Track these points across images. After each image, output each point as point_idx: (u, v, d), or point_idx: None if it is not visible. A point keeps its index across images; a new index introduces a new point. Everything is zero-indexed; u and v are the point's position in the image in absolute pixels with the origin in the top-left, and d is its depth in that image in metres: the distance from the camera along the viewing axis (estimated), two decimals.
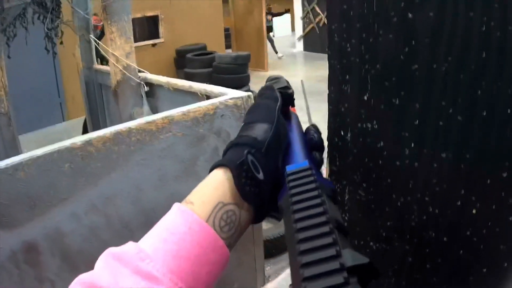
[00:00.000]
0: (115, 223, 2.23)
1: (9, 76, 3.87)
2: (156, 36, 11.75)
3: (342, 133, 0.77)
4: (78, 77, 4.71)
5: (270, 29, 17.77)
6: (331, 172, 0.84)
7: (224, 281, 2.81)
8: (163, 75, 3.94)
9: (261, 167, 0.64)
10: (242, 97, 2.55)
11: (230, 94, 2.58)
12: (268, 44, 15.41)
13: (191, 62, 11.05)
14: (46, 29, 4.48)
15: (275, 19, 18.80)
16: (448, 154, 0.63)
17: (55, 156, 1.72)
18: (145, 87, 3.98)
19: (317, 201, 0.50)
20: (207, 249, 0.59)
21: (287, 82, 0.82)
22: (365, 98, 0.70)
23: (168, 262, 0.55)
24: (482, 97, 0.58)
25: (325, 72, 0.79)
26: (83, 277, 0.56)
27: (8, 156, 2.48)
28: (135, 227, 2.24)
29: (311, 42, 17.22)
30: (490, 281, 0.69)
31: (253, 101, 2.58)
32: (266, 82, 0.83)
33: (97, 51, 4.25)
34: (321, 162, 0.73)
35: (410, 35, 0.62)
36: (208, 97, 2.65)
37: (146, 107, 3.97)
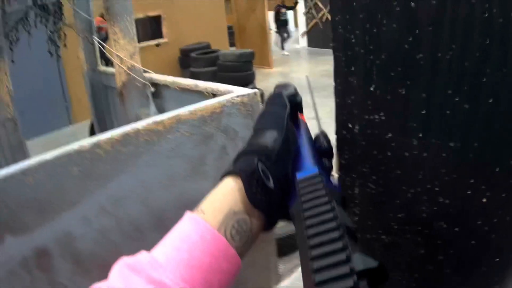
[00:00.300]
0: (126, 225, 2.23)
1: (14, 81, 3.87)
2: (160, 36, 11.77)
3: (350, 125, 0.76)
4: (83, 80, 4.71)
5: (285, 22, 17.71)
6: (340, 166, 0.84)
7: (237, 281, 2.79)
8: (168, 75, 3.95)
9: (272, 175, 0.65)
10: (248, 95, 2.55)
11: (236, 91, 2.58)
12: (273, 40, 15.44)
13: (196, 61, 11.07)
14: (48, 32, 4.49)
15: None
16: (455, 143, 0.63)
17: (64, 160, 1.72)
18: (151, 87, 3.98)
19: (327, 207, 0.51)
20: (219, 258, 0.60)
21: (295, 89, 0.82)
22: (371, 89, 0.69)
23: (180, 271, 0.56)
24: (487, 84, 0.58)
25: (329, 67, 0.79)
26: (97, 286, 0.56)
27: (15, 161, 2.49)
28: (145, 228, 2.25)
29: (314, 38, 17.21)
30: (502, 270, 0.69)
31: (259, 99, 2.58)
32: (274, 88, 0.84)
33: (103, 53, 4.26)
34: (330, 168, 0.74)
35: (413, 24, 0.62)
36: (214, 95, 2.65)
37: (152, 108, 3.98)
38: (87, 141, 2.07)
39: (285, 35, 17.62)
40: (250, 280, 2.84)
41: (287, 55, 16.88)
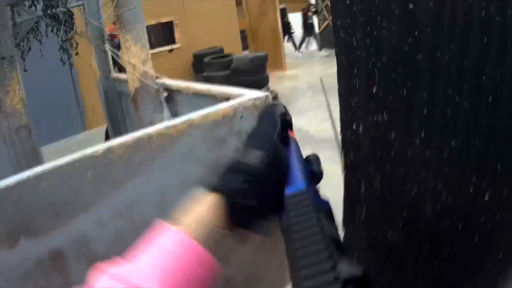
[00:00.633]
0: (140, 228, 2.23)
1: (28, 89, 3.91)
2: (172, 41, 11.80)
3: (354, 126, 0.77)
4: (96, 84, 4.74)
5: (311, 26, 17.82)
6: (345, 166, 0.85)
7: (251, 281, 2.81)
8: (182, 80, 3.97)
9: (255, 194, 0.67)
10: (260, 98, 2.55)
11: (248, 95, 2.58)
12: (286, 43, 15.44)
13: (209, 65, 11.08)
14: (60, 41, 4.52)
15: (290, 16, 18.73)
16: (457, 141, 0.64)
17: (77, 165, 1.74)
18: (164, 93, 4.00)
19: (313, 222, 0.55)
20: (195, 265, 0.63)
21: (285, 107, 0.85)
22: (374, 90, 0.71)
23: (159, 277, 0.59)
24: (486, 83, 0.58)
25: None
26: None
27: (30, 167, 2.51)
28: None
29: (327, 39, 17.16)
30: (506, 266, 0.69)
31: (271, 101, 2.59)
32: (266, 108, 0.86)
33: (116, 60, 4.29)
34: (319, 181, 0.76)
35: (412, 26, 0.63)
36: (227, 99, 2.67)
37: (166, 113, 3.99)
38: (100, 147, 2.09)
39: (310, 37, 17.66)
40: (264, 280, 2.84)
41: (300, 56, 16.89)
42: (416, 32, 0.63)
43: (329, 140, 5.61)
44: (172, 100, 3.98)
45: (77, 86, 9.67)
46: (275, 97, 9.58)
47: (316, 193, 0.67)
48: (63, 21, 4.50)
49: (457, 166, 0.66)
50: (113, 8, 3.59)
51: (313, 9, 17.77)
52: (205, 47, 11.99)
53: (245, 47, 14.82)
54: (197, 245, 0.63)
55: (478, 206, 0.66)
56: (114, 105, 4.79)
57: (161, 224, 0.67)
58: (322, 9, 17.48)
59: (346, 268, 0.46)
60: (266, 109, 0.84)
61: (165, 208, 2.27)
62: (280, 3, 14.64)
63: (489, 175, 0.63)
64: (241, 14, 14.55)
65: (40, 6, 4.27)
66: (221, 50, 12.05)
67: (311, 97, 9.85)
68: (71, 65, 5.38)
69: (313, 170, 0.75)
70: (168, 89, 4.00)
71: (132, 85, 4.03)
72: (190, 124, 2.24)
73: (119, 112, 4.79)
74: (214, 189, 0.69)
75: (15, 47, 4.13)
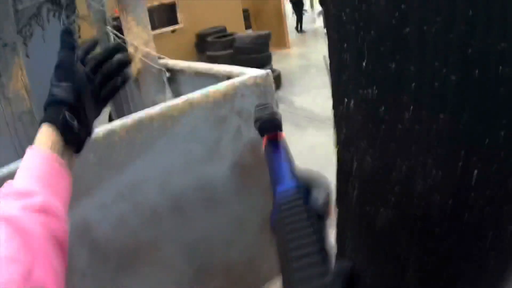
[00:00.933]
0: (143, 210, 2.26)
1: (30, 75, 3.91)
2: (175, 22, 11.74)
3: (346, 100, 0.78)
4: None
5: (301, 2, 17.54)
6: (338, 141, 0.85)
7: (252, 264, 2.84)
8: (185, 60, 3.95)
9: (76, 117, 0.90)
10: (261, 75, 2.56)
11: (249, 73, 2.58)
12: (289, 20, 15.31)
13: (212, 45, 11.03)
14: (62, 25, 4.51)
15: None
16: (445, 115, 0.64)
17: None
18: (166, 73, 4.00)
19: (307, 223, 0.58)
20: (58, 169, 0.86)
21: (273, 107, 0.88)
22: (363, 65, 0.71)
23: (38, 183, 0.80)
24: (473, 55, 0.58)
25: None
26: None
27: None
28: (163, 211, 2.27)
29: None
30: (496, 244, 0.69)
31: (272, 79, 2.60)
32: (255, 108, 0.91)
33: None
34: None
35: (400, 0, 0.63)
36: (228, 78, 2.67)
37: (168, 93, 3.99)
38: (101, 129, 2.10)
39: (302, 15, 17.32)
40: (263, 266, 2.86)
41: (304, 33, 16.73)
42: (403, 6, 0.63)
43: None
44: (175, 81, 3.98)
45: None
46: (278, 76, 9.55)
47: (305, 193, 0.69)
48: (65, 6, 4.48)
49: (446, 140, 0.65)
50: None
51: None
52: (208, 26, 11.93)
53: (248, 26, 14.73)
54: (54, 155, 0.86)
55: (468, 182, 0.66)
56: None
57: (28, 151, 0.86)
58: None
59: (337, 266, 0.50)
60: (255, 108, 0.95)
61: (168, 189, 2.28)
62: None
63: (477, 149, 0.63)
64: None
65: None
66: (224, 30, 11.98)
67: (315, 76, 9.81)
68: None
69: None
70: (170, 69, 4.00)
71: (135, 66, 4.03)
72: (191, 104, 2.24)
73: (122, 94, 4.79)
74: (47, 121, 0.88)
75: (17, 33, 4.13)
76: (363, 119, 0.75)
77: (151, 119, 2.14)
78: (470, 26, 0.57)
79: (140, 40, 3.96)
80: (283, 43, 13.98)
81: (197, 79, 3.44)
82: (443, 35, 0.60)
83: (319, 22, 17.67)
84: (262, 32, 10.76)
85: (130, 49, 3.98)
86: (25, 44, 4.40)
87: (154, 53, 4.06)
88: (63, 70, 0.94)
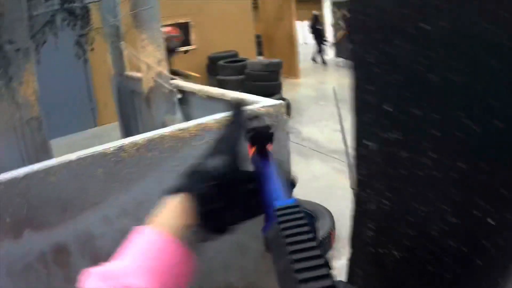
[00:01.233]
0: None
1: (41, 81, 3.93)
2: (188, 43, 11.81)
3: (367, 142, 0.78)
4: (109, 82, 4.75)
5: (322, 31, 16.98)
6: (357, 181, 0.85)
7: (243, 272, 2.80)
8: (196, 82, 3.97)
9: (217, 193, 0.73)
10: (274, 105, 2.55)
11: (262, 102, 2.57)
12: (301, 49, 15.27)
13: (224, 69, 11.07)
14: (76, 36, 4.54)
15: (306, 24, 18.47)
16: (465, 164, 0.64)
17: (88, 161, 1.74)
18: (178, 94, 4.01)
19: (310, 235, 0.57)
20: (179, 260, 0.69)
21: (266, 120, 0.88)
22: (387, 108, 0.71)
23: (149, 276, 0.64)
24: (498, 108, 0.59)
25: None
26: None
27: (38, 160, 2.51)
28: None
29: (342, 49, 17.07)
30: None
31: (285, 110, 2.59)
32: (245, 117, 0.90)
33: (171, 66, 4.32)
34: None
35: (427, 46, 0.63)
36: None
37: (178, 114, 3.99)
38: (111, 144, 2.09)
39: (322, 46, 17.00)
40: (260, 273, 2.82)
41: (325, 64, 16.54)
42: (428, 53, 0.63)
43: (339, 151, 5.58)
44: (186, 102, 3.98)
45: (91, 81, 9.68)
46: (287, 105, 9.56)
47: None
48: (80, 16, 4.52)
49: (463, 188, 0.66)
50: (130, 6, 3.61)
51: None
52: (220, 50, 11.97)
53: (260, 53, 14.78)
54: (169, 239, 0.68)
55: (483, 230, 0.66)
56: (126, 103, 4.80)
57: (137, 228, 0.71)
58: (338, 18, 17.42)
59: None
60: (235, 111, 0.87)
61: None
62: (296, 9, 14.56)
63: (494, 199, 0.63)
64: (257, 18, 14.51)
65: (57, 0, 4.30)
66: (236, 54, 12.02)
67: (323, 107, 9.82)
68: (85, 60, 5.38)
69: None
70: (182, 90, 4.00)
71: (146, 84, 4.04)
72: (203, 128, 2.24)
73: (131, 110, 4.80)
74: (180, 191, 0.73)
75: (30, 39, 4.15)
76: (383, 162, 0.75)
77: (162, 139, 2.14)
78: (495, 80, 0.58)
79: (153, 59, 3.98)
80: (293, 72, 14.01)
81: (208, 103, 3.44)
82: (467, 85, 0.60)
83: (331, 53, 17.68)
84: (274, 60, 10.79)
85: (143, 67, 4.00)
86: (37, 50, 4.42)
87: (166, 73, 4.08)
88: (220, 143, 0.81)
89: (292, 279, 0.49)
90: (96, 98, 9.86)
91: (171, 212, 0.72)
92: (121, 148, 2.03)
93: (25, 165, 1.50)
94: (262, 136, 0.84)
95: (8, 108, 3.79)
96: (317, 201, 4.53)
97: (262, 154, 0.82)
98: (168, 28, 7.93)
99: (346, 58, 16.41)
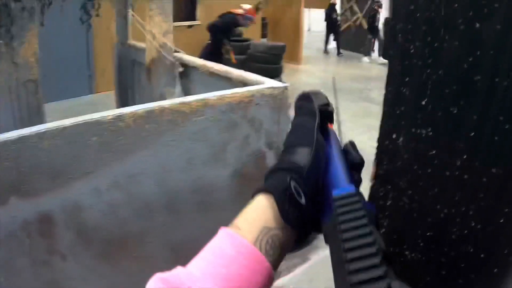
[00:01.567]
0: (136, 202, 2.23)
1: (41, 44, 3.88)
2: (193, 18, 11.75)
3: (394, 136, 0.75)
4: (111, 51, 4.72)
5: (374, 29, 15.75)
6: (376, 175, 0.83)
7: None
8: (197, 57, 3.94)
9: (303, 192, 0.67)
10: (279, 88, 2.54)
11: (268, 83, 2.57)
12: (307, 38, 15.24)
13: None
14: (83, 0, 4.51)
15: (312, 12, 18.36)
16: (499, 170, 0.62)
17: (83, 128, 1.72)
18: (180, 67, 3.98)
19: (366, 230, 0.54)
20: (254, 271, 0.61)
21: (327, 98, 0.82)
22: (423, 103, 0.68)
23: (218, 284, 0.57)
24: None
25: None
26: None
27: (32, 123, 2.48)
28: (156, 207, 2.24)
29: (346, 40, 17.08)
30: None
31: (288, 93, 2.58)
32: (305, 95, 0.83)
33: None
34: (360, 181, 0.75)
35: (476, 45, 0.61)
36: (243, 84, 2.64)
37: (178, 88, 3.98)
38: (109, 113, 2.07)
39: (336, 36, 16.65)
40: None
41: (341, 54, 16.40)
42: (478, 52, 0.61)
43: None
44: (186, 76, 3.96)
45: (91, 48, 9.62)
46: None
47: (361, 193, 0.66)
48: None
49: (493, 195, 0.64)
50: None
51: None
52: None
53: (264, 35, 14.75)
54: (251, 248, 0.62)
55: (505, 238, 0.64)
56: (126, 72, 4.78)
57: (221, 230, 0.65)
58: (346, 9, 17.39)
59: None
60: (305, 94, 0.82)
61: (165, 186, 2.26)
62: None
63: None
64: (265, 0, 14.46)
65: None
66: (240, 34, 12.00)
67: None
68: (89, 25, 5.34)
69: (354, 162, 0.74)
70: (184, 64, 3.98)
71: (149, 55, 4.01)
72: (205, 104, 2.22)
73: (130, 80, 4.78)
74: (263, 190, 0.68)
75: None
76: (409, 158, 0.73)
77: (161, 111, 2.11)
78: None
79: (159, 29, 3.95)
80: (295, 58, 14.01)
81: (209, 79, 3.42)
82: None
83: (333, 43, 17.66)
84: (278, 44, 10.79)
85: (148, 37, 3.97)
86: (42, 12, 4.38)
87: (171, 45, 4.05)
88: (301, 135, 0.74)
89: (345, 278, 0.47)
90: (94, 65, 9.80)
91: (252, 213, 0.68)
92: (119, 118, 2.00)
93: (17, 127, 1.46)
94: (323, 113, 0.78)
95: (6, 68, 3.76)
96: None
97: (322, 134, 0.77)
98: (250, 9, 7.98)
99: (347, 50, 16.47)
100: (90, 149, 1.89)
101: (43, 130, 1.47)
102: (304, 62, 14.30)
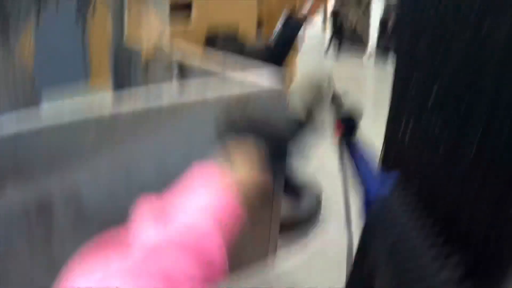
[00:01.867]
0: (136, 191, 2.22)
1: (36, 44, 3.89)
2: (188, 16, 11.75)
3: (400, 136, 0.75)
4: (107, 51, 4.71)
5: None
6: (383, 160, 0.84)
7: (236, 247, 2.79)
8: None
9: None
10: (276, 88, 2.53)
11: (265, 83, 2.56)
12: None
13: (222, 48, 11.03)
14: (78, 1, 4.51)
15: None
16: (506, 170, 0.63)
17: (81, 126, 1.72)
18: (176, 68, 3.98)
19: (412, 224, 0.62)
20: (229, 211, 0.67)
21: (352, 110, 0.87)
22: (429, 104, 0.68)
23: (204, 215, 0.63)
24: None
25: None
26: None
27: (29, 123, 2.49)
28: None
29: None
30: None
31: (286, 94, 2.57)
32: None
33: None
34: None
35: (481, 54, 0.61)
36: (241, 84, 2.64)
37: (175, 88, 3.96)
38: (107, 112, 2.06)
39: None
40: (248, 250, 2.82)
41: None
42: (483, 61, 0.62)
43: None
44: (184, 76, 3.95)
45: (87, 48, 9.57)
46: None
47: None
48: None
49: (497, 192, 0.64)
50: None
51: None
52: (220, 27, 11.91)
53: (259, 35, 14.75)
54: (231, 189, 0.68)
55: (506, 222, 0.65)
56: (122, 72, 4.76)
57: (204, 165, 0.75)
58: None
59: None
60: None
61: (163, 186, 2.26)
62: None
63: None
64: (260, 1, 14.42)
65: None
66: (235, 33, 11.98)
67: None
68: (84, 25, 5.34)
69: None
70: (181, 63, 3.97)
71: (145, 56, 4.01)
72: (203, 102, 2.22)
73: (126, 81, 4.77)
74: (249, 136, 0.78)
75: None
76: (417, 155, 0.73)
77: (160, 109, 2.12)
78: None
79: (155, 30, 3.95)
80: (291, 59, 13.98)
81: (206, 79, 3.41)
82: None
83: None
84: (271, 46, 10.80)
85: (144, 38, 3.98)
86: (39, 11, 4.37)
87: (167, 45, 4.05)
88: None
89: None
90: (90, 66, 9.76)
91: (238, 156, 0.74)
92: (117, 116, 2.00)
93: (14, 126, 1.47)
94: (353, 118, 0.85)
95: (2, 67, 3.74)
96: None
97: (350, 138, 0.83)
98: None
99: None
100: (89, 143, 1.89)
101: (41, 127, 1.47)
102: (299, 62, 14.27)
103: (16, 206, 1.46)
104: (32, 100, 3.91)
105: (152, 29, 3.91)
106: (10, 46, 3.61)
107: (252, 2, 10.20)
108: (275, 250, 2.37)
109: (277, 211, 2.24)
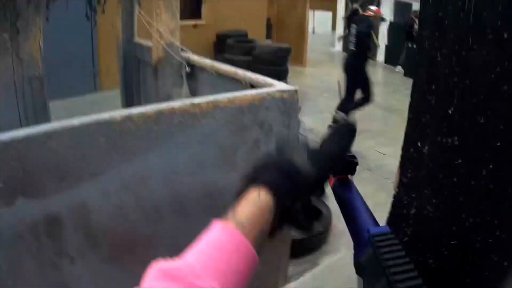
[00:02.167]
0: (145, 205, 2.21)
1: (45, 39, 3.88)
2: (198, 17, 11.73)
3: (420, 144, 0.75)
4: (116, 49, 4.69)
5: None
6: (400, 183, 0.82)
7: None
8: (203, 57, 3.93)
9: (302, 210, 0.75)
10: (289, 91, 2.51)
11: (278, 86, 2.54)
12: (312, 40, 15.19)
13: (231, 48, 10.98)
14: None
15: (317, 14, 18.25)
16: None
17: (92, 128, 1.70)
18: (187, 67, 3.96)
19: (411, 266, 0.63)
20: (250, 268, 0.67)
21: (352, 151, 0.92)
22: (450, 111, 0.68)
23: (219, 279, 0.60)
24: None
25: None
26: None
27: (37, 121, 2.46)
28: (165, 211, 2.22)
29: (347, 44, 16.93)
30: None
31: (298, 97, 2.56)
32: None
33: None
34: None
35: (504, 55, 0.60)
36: (252, 86, 2.63)
37: (185, 88, 3.96)
38: (118, 113, 2.05)
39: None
40: (259, 278, 2.80)
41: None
42: (506, 63, 0.60)
43: None
44: (193, 77, 3.94)
45: (96, 45, 9.56)
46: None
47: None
48: None
49: None
50: None
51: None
52: (230, 28, 11.90)
53: (268, 36, 14.71)
54: (248, 245, 0.66)
55: None
56: (131, 71, 4.76)
57: (215, 222, 0.69)
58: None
59: None
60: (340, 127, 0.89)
61: (174, 189, 2.24)
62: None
63: None
64: (270, 1, 14.41)
65: None
66: (245, 34, 11.96)
67: (327, 99, 9.77)
68: (94, 22, 5.33)
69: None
70: (191, 64, 3.96)
71: (156, 54, 3.99)
72: (216, 106, 2.20)
73: (135, 79, 4.77)
74: (266, 186, 0.72)
75: None
76: (434, 167, 0.72)
77: (172, 113, 2.10)
78: None
79: (166, 27, 3.94)
80: (300, 60, 13.95)
81: (217, 80, 3.40)
82: None
83: (338, 46, 17.59)
84: (284, 45, 10.76)
85: (154, 35, 3.96)
86: (47, 7, 4.37)
87: (178, 44, 4.04)
88: (329, 155, 0.82)
89: None
90: (99, 63, 9.76)
91: (251, 209, 0.70)
92: (128, 118, 1.99)
93: (22, 125, 1.46)
94: (348, 165, 0.89)
95: (11, 64, 3.75)
96: None
97: (344, 182, 0.86)
98: (378, 9, 7.88)
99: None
100: (98, 150, 1.87)
101: (51, 129, 1.46)
102: (309, 64, 14.24)
103: (26, 221, 1.45)
104: (41, 98, 3.91)
105: (163, 27, 3.91)
106: (19, 41, 3.61)
107: (262, 2, 10.07)
108: (285, 276, 2.36)
109: (288, 241, 2.24)
